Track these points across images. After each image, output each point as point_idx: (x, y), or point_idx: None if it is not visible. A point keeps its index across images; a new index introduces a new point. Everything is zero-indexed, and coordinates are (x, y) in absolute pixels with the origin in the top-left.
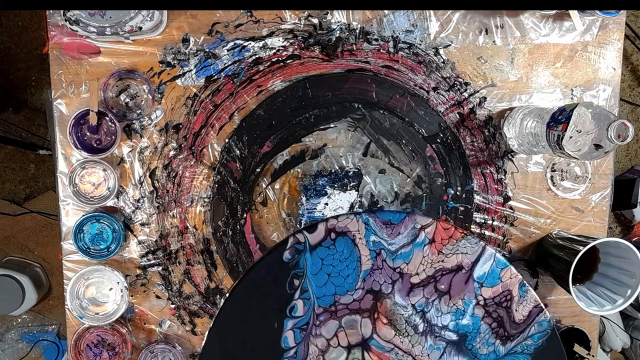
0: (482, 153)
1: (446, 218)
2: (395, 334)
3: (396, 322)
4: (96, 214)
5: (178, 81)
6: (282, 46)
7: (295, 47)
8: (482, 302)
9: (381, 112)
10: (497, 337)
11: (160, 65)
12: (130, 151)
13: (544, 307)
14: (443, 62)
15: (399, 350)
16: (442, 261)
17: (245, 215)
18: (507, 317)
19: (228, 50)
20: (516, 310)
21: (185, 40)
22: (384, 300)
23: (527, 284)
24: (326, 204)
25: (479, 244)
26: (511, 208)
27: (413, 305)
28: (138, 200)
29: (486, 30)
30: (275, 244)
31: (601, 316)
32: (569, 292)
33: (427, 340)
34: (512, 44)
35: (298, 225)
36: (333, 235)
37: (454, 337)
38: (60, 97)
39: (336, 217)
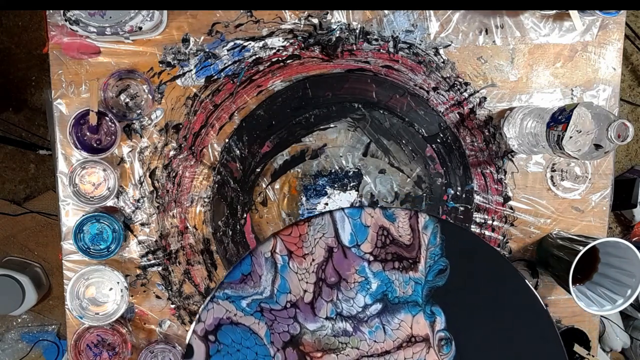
0: (482, 153)
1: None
2: (336, 355)
3: (328, 346)
4: (96, 214)
5: (178, 81)
6: (282, 46)
7: (295, 47)
8: (371, 259)
9: (381, 112)
10: (406, 270)
11: (160, 65)
12: (130, 151)
13: (413, 211)
14: (443, 62)
15: None
16: (312, 260)
17: (245, 215)
18: (399, 248)
19: (228, 50)
20: (400, 236)
21: (185, 40)
22: (301, 340)
23: (388, 206)
24: (326, 204)
25: (324, 218)
26: (511, 208)
27: (327, 318)
28: (138, 200)
29: (486, 30)
30: None
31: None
32: (569, 292)
33: (363, 331)
34: (512, 44)
35: None
36: (212, 337)
37: (379, 306)
38: (60, 97)
39: (197, 320)
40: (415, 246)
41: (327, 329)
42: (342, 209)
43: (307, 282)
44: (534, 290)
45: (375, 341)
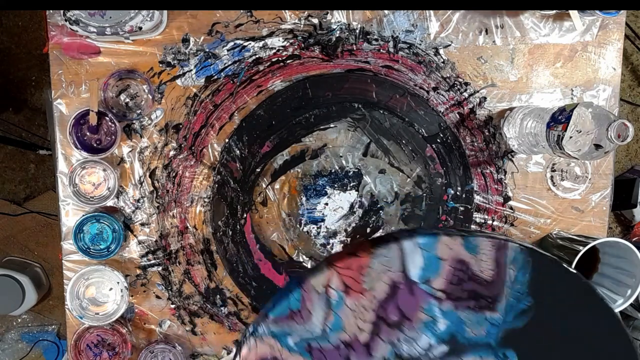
0: (482, 153)
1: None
2: None
3: None
4: (96, 214)
5: (178, 81)
6: (282, 46)
7: (295, 47)
8: (443, 296)
9: (381, 112)
10: (482, 310)
11: (160, 65)
12: (130, 151)
13: (504, 239)
14: (443, 62)
15: None
16: (373, 297)
17: (245, 215)
18: (477, 284)
19: (228, 50)
20: (481, 271)
21: (185, 40)
22: None
23: (469, 234)
24: (326, 204)
25: (391, 248)
26: (511, 208)
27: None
28: (138, 200)
29: (486, 30)
30: None
31: None
32: None
33: None
34: (512, 44)
35: (298, 225)
36: None
37: (445, 348)
38: (60, 97)
39: (235, 355)
40: (497, 283)
41: None
42: (413, 235)
43: (364, 321)
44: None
45: None
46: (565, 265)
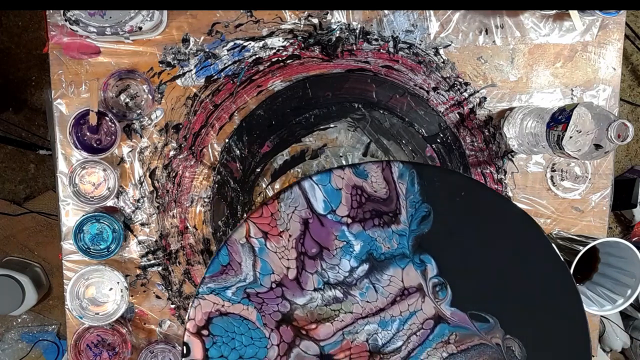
0: (482, 153)
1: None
2: (331, 323)
3: (321, 316)
4: (96, 214)
5: (178, 81)
6: (282, 46)
7: (295, 47)
8: (349, 221)
9: (381, 112)
10: (387, 225)
11: (160, 65)
12: (130, 151)
13: (386, 160)
14: (443, 62)
15: (349, 328)
16: (290, 236)
17: (245, 215)
18: (376, 203)
19: (228, 50)
20: (375, 191)
21: (185, 40)
22: (293, 316)
23: (357, 163)
24: None
25: (293, 191)
26: None
27: (314, 290)
28: (138, 200)
29: (486, 30)
30: None
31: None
32: None
33: (354, 294)
34: (512, 44)
35: None
36: (205, 332)
37: (366, 266)
38: (60, 97)
39: (187, 319)
40: (393, 198)
41: (317, 300)
42: (310, 176)
43: (288, 259)
44: (527, 214)
45: (367, 302)
46: (445, 168)
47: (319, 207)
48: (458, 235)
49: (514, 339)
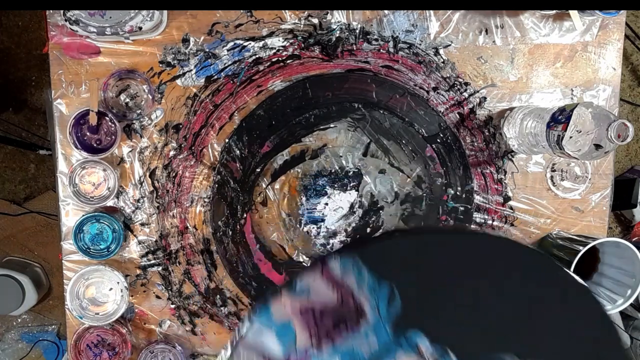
0: (482, 153)
1: None
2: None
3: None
4: (96, 214)
5: (178, 81)
6: (282, 46)
7: (295, 47)
8: (315, 347)
9: (381, 112)
10: (357, 326)
11: (160, 65)
12: (130, 151)
13: (319, 264)
14: (443, 62)
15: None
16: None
17: (245, 215)
18: (333, 313)
19: (228, 50)
20: (325, 303)
21: (185, 40)
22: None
23: (293, 279)
24: (326, 204)
25: (238, 350)
26: (511, 208)
27: None
28: (138, 200)
29: (486, 30)
30: None
31: None
32: None
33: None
34: (512, 44)
35: (298, 225)
36: None
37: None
38: (60, 97)
39: None
40: (347, 298)
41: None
42: (250, 321)
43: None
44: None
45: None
46: (384, 233)
47: (278, 351)
48: (440, 291)
49: None
